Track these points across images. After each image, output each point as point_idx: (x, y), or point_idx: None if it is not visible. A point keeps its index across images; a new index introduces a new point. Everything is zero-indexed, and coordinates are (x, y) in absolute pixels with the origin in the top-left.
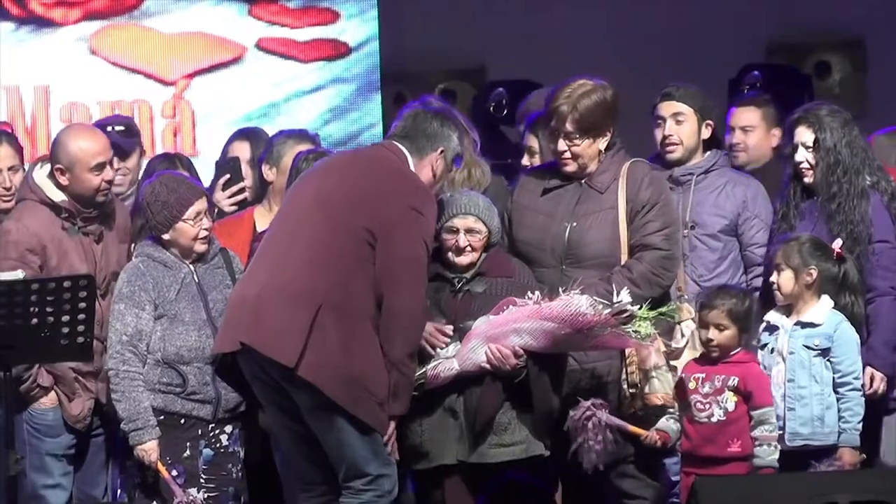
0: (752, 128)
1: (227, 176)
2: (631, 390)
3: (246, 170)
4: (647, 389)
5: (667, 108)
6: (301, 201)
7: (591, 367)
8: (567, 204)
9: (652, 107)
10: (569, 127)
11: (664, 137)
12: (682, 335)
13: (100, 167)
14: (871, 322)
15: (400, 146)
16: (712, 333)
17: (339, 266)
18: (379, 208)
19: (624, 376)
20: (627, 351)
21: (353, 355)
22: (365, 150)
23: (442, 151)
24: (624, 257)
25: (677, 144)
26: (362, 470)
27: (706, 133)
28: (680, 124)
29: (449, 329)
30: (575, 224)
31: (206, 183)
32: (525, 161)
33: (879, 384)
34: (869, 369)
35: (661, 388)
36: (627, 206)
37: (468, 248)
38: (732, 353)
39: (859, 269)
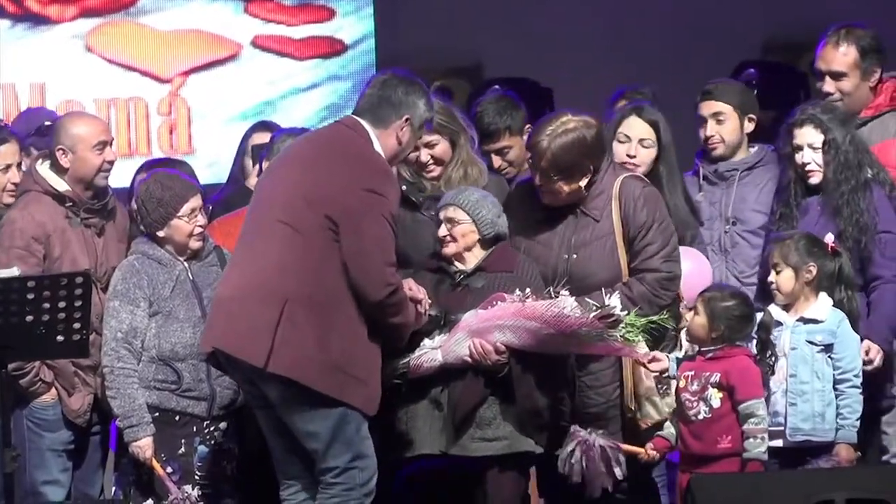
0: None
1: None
2: (628, 415)
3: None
4: (638, 415)
5: (707, 107)
6: (264, 199)
7: (595, 387)
8: (563, 233)
9: (694, 105)
10: (544, 165)
11: (706, 138)
12: (681, 346)
13: (101, 146)
14: (873, 307)
15: (361, 121)
16: (688, 316)
17: (305, 260)
18: (337, 196)
19: (621, 400)
20: (625, 373)
21: (331, 343)
22: (325, 131)
23: (408, 119)
24: (625, 279)
25: (720, 143)
26: (332, 462)
27: (749, 127)
28: (721, 123)
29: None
30: (575, 256)
31: (202, 181)
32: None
33: (876, 355)
34: (866, 342)
35: (651, 415)
36: (623, 230)
37: (448, 238)
38: (713, 347)
39: (866, 257)
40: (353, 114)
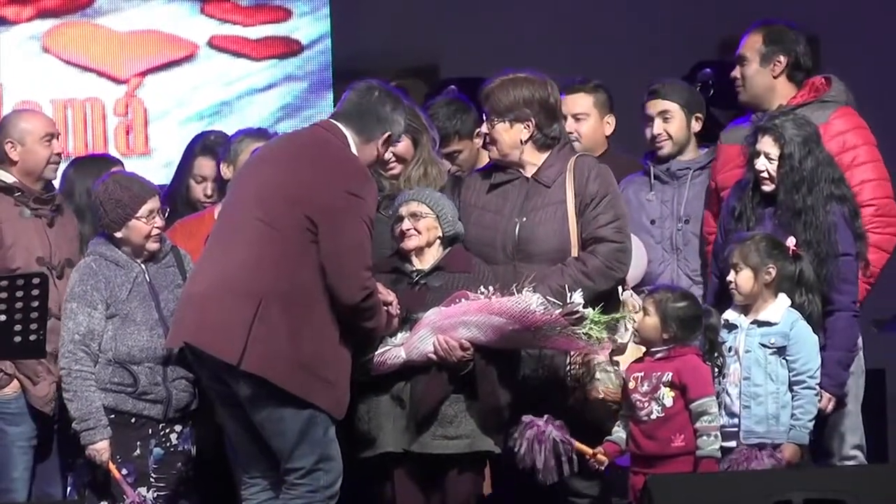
0: (584, 115)
1: None
2: (573, 383)
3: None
4: (587, 384)
5: (653, 106)
6: (241, 196)
7: (543, 356)
8: (515, 200)
9: (641, 105)
10: (487, 107)
11: (653, 136)
12: (627, 328)
13: (49, 138)
14: (828, 337)
15: (341, 126)
16: (638, 317)
17: (282, 259)
18: (316, 197)
19: (567, 369)
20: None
21: (303, 343)
22: (303, 134)
23: (389, 135)
24: (575, 251)
25: (667, 140)
26: (297, 463)
27: (696, 126)
28: (667, 121)
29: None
30: (525, 220)
31: (158, 182)
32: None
33: (828, 404)
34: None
35: (602, 383)
36: (576, 200)
37: (411, 231)
38: (662, 348)
39: (827, 282)
40: (331, 117)
